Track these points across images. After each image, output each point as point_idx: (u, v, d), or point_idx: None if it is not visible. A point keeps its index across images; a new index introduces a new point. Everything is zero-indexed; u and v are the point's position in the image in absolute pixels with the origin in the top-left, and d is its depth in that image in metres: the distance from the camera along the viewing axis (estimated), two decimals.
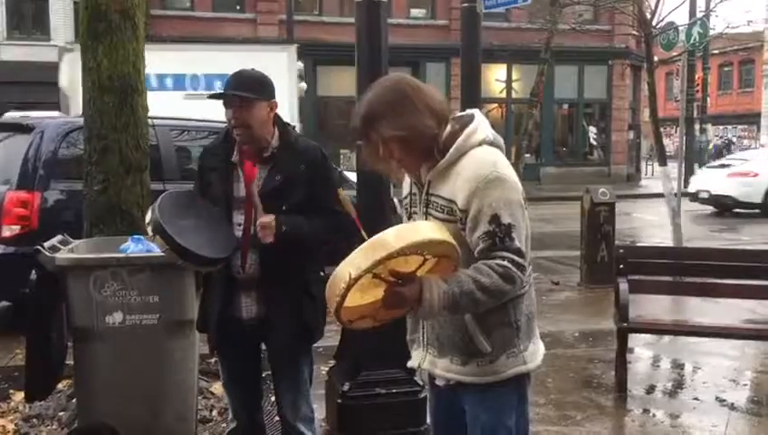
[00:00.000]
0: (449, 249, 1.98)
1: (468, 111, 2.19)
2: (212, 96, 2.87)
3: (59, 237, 3.57)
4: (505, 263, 1.97)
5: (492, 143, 2.10)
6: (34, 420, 3.92)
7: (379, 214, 3.55)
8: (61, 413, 3.91)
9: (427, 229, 1.97)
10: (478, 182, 1.99)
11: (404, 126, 2.02)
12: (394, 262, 1.90)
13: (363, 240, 1.95)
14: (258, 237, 2.76)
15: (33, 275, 3.34)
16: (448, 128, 2.10)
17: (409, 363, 2.32)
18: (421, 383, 3.58)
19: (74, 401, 3.78)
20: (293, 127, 3.04)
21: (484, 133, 2.10)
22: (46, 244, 3.39)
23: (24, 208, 5.71)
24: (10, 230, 5.67)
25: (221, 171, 2.89)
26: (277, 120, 2.91)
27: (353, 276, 1.85)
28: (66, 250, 3.43)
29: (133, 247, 3.40)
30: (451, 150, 2.05)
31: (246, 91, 2.76)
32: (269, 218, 2.74)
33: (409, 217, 2.23)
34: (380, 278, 1.93)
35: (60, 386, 3.93)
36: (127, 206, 4.13)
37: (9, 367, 4.86)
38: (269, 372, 3.12)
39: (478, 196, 1.99)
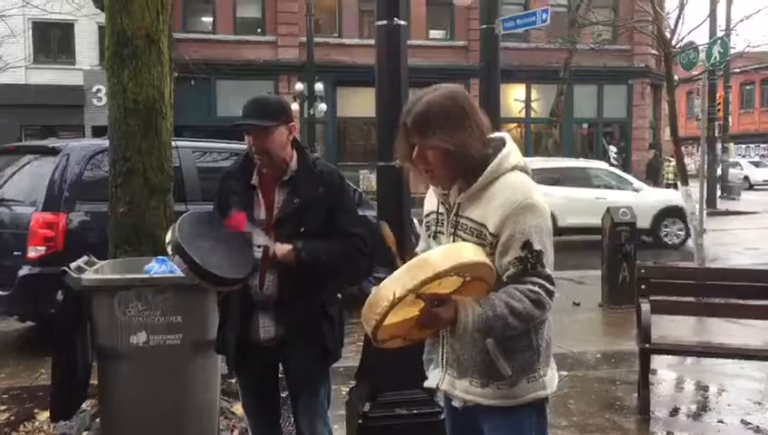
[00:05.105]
0: (488, 272, 1.99)
1: (498, 134, 2.18)
2: (233, 126, 2.92)
3: (84, 258, 3.63)
4: (537, 289, 1.99)
5: (523, 169, 2.11)
6: None
7: (398, 234, 3.56)
8: (85, 433, 3.94)
9: (471, 251, 1.98)
10: (512, 208, 2.00)
11: (454, 141, 2.02)
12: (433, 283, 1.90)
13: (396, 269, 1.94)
14: (278, 259, 2.76)
15: (60, 296, 3.39)
16: None
17: (426, 383, 2.32)
18: (442, 404, 3.56)
19: (98, 420, 3.82)
20: (313, 150, 3.08)
21: (517, 159, 2.11)
22: (72, 265, 3.44)
23: (49, 230, 5.80)
24: (36, 251, 5.76)
25: (241, 195, 2.92)
26: (295, 143, 2.94)
27: (398, 295, 1.84)
28: (91, 271, 3.49)
29: (157, 268, 3.45)
30: (484, 173, 2.05)
31: (264, 118, 2.79)
32: (286, 249, 2.76)
33: (433, 237, 2.22)
34: (420, 297, 1.93)
35: (84, 406, 3.96)
36: (151, 227, 4.19)
37: (34, 387, 4.91)
38: (288, 393, 3.13)
39: (511, 221, 2.00)
